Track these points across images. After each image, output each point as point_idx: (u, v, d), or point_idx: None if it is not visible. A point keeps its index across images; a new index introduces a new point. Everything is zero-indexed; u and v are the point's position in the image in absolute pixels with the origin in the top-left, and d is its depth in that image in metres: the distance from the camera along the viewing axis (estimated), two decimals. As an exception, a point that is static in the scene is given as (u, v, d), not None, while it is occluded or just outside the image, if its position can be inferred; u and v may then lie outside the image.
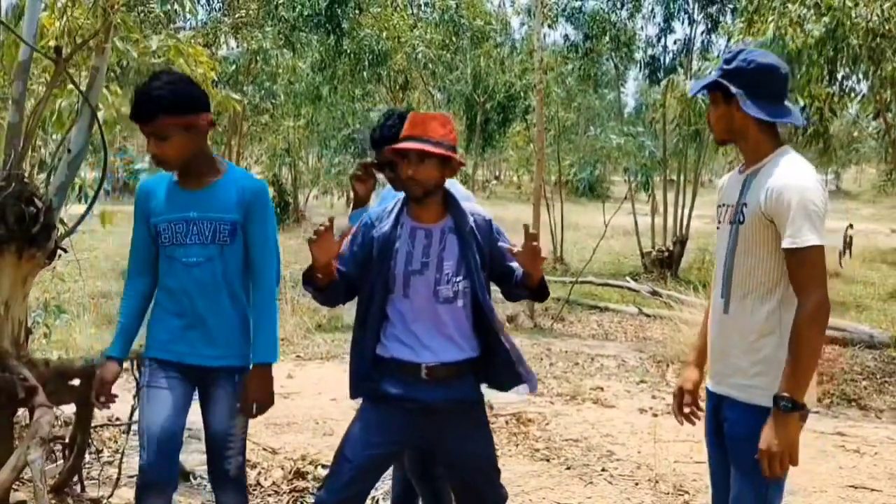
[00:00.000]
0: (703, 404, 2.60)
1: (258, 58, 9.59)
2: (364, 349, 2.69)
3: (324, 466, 4.45)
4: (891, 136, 9.02)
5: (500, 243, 2.69)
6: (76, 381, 3.18)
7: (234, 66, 9.79)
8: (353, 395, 2.77)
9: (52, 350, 5.30)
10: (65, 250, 3.09)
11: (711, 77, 2.37)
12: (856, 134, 12.41)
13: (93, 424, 3.55)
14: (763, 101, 2.29)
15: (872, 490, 4.36)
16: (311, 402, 6.06)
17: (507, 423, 5.65)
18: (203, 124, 2.55)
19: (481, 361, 2.71)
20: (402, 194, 2.99)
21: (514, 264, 2.69)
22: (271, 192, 14.87)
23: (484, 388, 2.78)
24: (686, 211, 16.20)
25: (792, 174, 2.22)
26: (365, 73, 11.38)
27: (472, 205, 2.82)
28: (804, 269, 2.16)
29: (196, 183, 2.62)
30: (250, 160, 13.70)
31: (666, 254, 14.79)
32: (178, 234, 2.60)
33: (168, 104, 2.45)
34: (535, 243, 2.48)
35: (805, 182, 2.20)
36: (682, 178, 16.77)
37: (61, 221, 3.13)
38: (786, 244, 2.17)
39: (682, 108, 9.15)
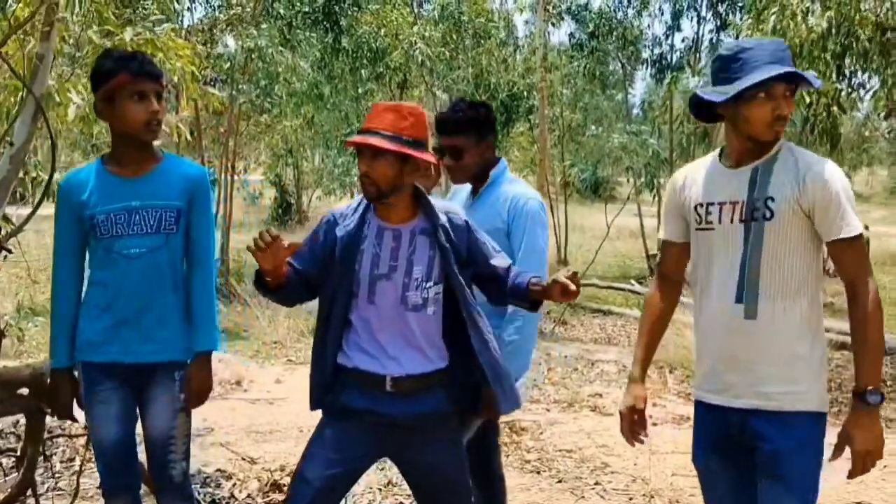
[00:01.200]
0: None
1: (254, 56, 9.40)
2: (324, 358, 2.48)
3: (302, 478, 4.27)
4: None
5: (492, 260, 2.49)
6: (24, 390, 2.97)
7: (228, 64, 9.60)
8: (313, 407, 2.54)
9: (25, 354, 5.13)
10: (9, 251, 2.88)
11: (785, 69, 2.11)
12: (867, 134, 12.11)
13: (46, 435, 3.36)
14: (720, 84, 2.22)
15: (881, 505, 4.13)
16: (298, 408, 5.84)
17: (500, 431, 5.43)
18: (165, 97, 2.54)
19: (451, 372, 2.49)
20: (468, 187, 2.98)
21: (498, 267, 2.48)
22: (273, 193, 14.85)
23: None
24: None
25: (826, 164, 2.14)
26: (364, 72, 11.20)
27: (447, 204, 2.60)
28: (858, 256, 2.13)
29: (134, 170, 2.49)
30: (250, 160, 13.53)
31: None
32: (119, 224, 2.45)
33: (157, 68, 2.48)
34: (573, 287, 2.26)
35: (839, 170, 2.16)
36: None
37: (5, 219, 2.92)
38: (842, 234, 2.09)
39: (686, 105, 8.91)
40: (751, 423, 2.18)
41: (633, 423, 2.47)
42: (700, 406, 2.35)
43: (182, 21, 10.62)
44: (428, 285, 2.40)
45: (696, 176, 2.32)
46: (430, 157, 2.38)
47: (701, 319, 2.31)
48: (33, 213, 2.89)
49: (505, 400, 2.47)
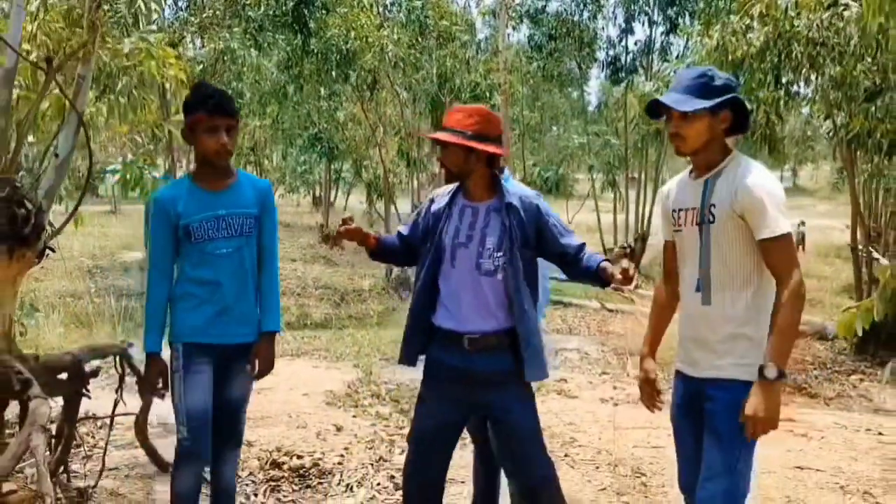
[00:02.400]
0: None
1: (225, 58, 9.64)
2: (419, 317, 2.94)
3: (299, 457, 4.62)
4: (839, 136, 9.41)
5: (562, 239, 2.89)
6: (64, 376, 3.30)
7: (200, 66, 9.82)
8: (402, 361, 3.01)
9: (23, 349, 5.37)
10: (52, 250, 3.24)
11: (699, 92, 2.52)
12: (809, 133, 12.85)
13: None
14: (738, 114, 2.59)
15: (817, 470, 4.65)
16: (284, 396, 6.20)
17: (474, 413, 5.86)
18: (238, 129, 3.02)
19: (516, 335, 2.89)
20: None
21: (569, 245, 2.88)
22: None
23: None
24: (647, 208, 16.60)
25: (756, 174, 2.45)
26: (332, 73, 11.49)
27: (524, 189, 3.04)
28: (782, 253, 2.42)
29: (218, 185, 2.98)
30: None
31: (628, 250, 15.15)
32: (210, 229, 2.94)
33: (234, 104, 2.94)
34: (630, 272, 2.65)
35: (769, 179, 2.45)
36: (643, 176, 17.16)
37: (49, 223, 3.27)
38: (764, 234, 2.40)
39: (642, 107, 9.45)
40: (706, 389, 2.58)
41: (650, 393, 2.86)
42: (677, 375, 2.77)
43: (153, 24, 10.82)
44: (498, 255, 2.83)
45: (675, 186, 2.74)
46: (493, 148, 2.84)
47: (681, 306, 2.76)
48: (72, 215, 3.23)
49: (530, 367, 2.87)
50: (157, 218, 2.99)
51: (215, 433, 3.02)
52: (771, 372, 2.38)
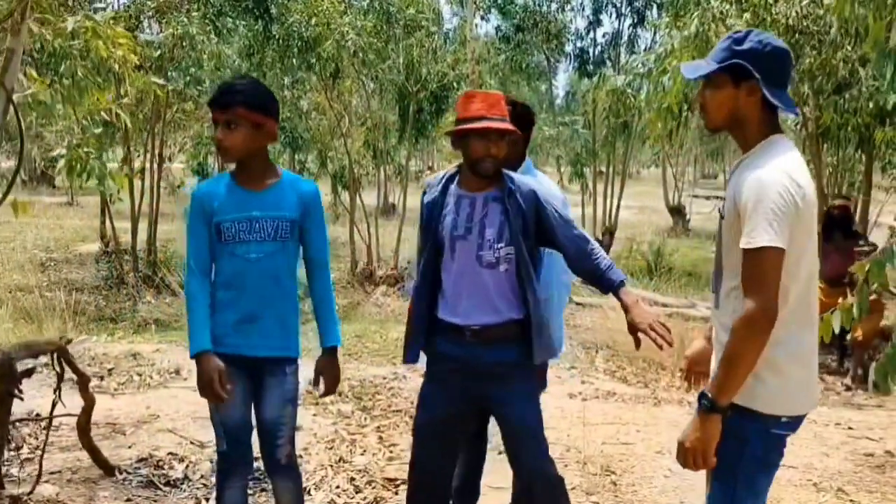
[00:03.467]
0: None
1: (183, 43, 9.31)
2: (420, 314, 2.89)
3: (255, 459, 4.40)
4: (808, 130, 9.38)
5: (558, 231, 2.77)
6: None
7: (158, 52, 9.47)
8: (406, 360, 2.97)
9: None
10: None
11: (719, 58, 2.18)
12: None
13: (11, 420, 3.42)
14: (774, 87, 2.15)
15: (789, 467, 4.53)
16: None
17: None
18: (270, 128, 2.77)
19: (524, 326, 2.81)
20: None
21: (568, 238, 2.78)
22: (195, 181, 14.68)
23: None
24: (615, 201, 16.55)
25: (763, 168, 2.07)
26: (294, 61, 11.20)
27: (521, 176, 2.93)
28: (750, 269, 2.05)
29: (257, 185, 2.81)
30: (174, 149, 13.32)
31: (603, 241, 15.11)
32: (242, 231, 2.78)
33: (246, 98, 2.69)
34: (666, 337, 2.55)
35: (772, 177, 2.04)
36: (611, 169, 17.10)
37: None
38: (741, 242, 2.06)
39: (611, 101, 9.33)
40: None
41: (691, 373, 2.63)
42: None
43: (110, 7, 10.45)
44: (499, 246, 2.75)
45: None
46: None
47: None
48: (5, 195, 2.97)
49: (540, 348, 2.80)
50: (193, 213, 2.85)
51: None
52: (704, 402, 2.09)
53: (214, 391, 2.71)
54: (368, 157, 14.00)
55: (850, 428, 5.49)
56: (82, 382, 3.84)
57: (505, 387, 2.81)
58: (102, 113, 5.15)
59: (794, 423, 2.21)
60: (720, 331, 2.26)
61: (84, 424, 3.92)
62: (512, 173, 2.86)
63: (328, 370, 2.93)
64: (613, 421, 5.26)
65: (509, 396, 2.82)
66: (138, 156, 12.09)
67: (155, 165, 11.42)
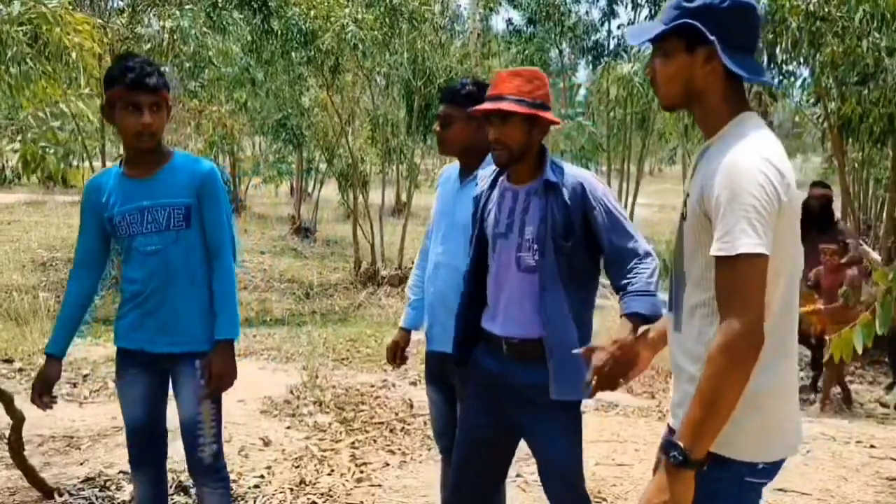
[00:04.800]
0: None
1: (175, 37, 8.99)
2: (464, 318, 2.59)
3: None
4: (830, 123, 8.86)
5: (604, 235, 2.39)
6: None
7: (149, 45, 9.15)
8: (454, 359, 2.69)
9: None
10: None
11: (667, 18, 1.75)
12: (797, 119, 12.31)
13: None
14: (736, 51, 1.72)
15: (802, 493, 4.09)
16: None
17: (424, 423, 5.28)
18: (170, 108, 2.65)
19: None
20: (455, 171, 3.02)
21: (615, 249, 2.39)
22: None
23: None
24: (630, 199, 16.05)
25: (737, 153, 1.64)
26: (294, 55, 10.84)
27: (571, 167, 2.54)
28: (726, 283, 1.63)
29: (145, 171, 2.64)
30: (180, 147, 13.03)
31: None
32: (134, 223, 2.63)
33: (162, 78, 2.57)
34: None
35: (749, 165, 1.62)
36: (626, 166, 16.61)
37: None
38: (713, 250, 1.64)
39: (618, 90, 8.85)
40: None
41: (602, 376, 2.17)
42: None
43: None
44: (537, 247, 2.39)
45: (695, 159, 1.94)
46: (553, 117, 2.45)
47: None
48: None
49: (557, 383, 2.38)
50: (84, 208, 2.74)
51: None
52: (674, 453, 1.65)
53: (34, 398, 2.72)
54: (373, 155, 13.62)
55: (872, 447, 5.02)
56: (4, 402, 3.50)
57: (539, 416, 2.42)
58: (62, 105, 4.82)
59: (773, 468, 1.77)
60: (681, 358, 1.82)
61: (14, 442, 3.58)
62: (563, 163, 2.51)
63: (214, 365, 2.67)
64: (610, 438, 4.83)
65: (543, 428, 2.44)
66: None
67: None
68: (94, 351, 7.27)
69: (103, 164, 11.81)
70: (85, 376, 6.34)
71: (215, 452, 2.77)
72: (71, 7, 4.81)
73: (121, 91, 2.52)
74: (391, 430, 5.08)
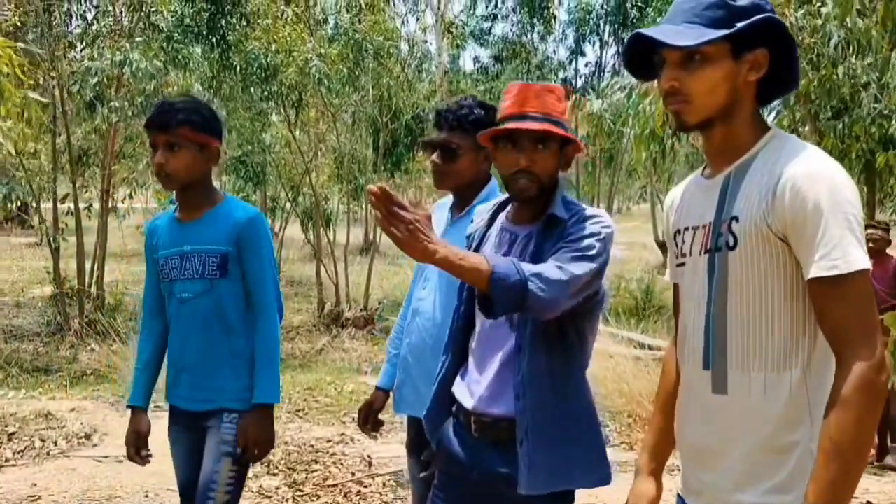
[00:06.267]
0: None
1: (124, 70, 8.56)
2: (445, 384, 2.11)
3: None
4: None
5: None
6: None
7: (96, 79, 8.70)
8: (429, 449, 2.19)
9: None
10: None
11: (707, 19, 1.51)
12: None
13: None
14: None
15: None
16: (151, 467, 4.92)
17: (383, 485, 4.80)
18: (214, 149, 2.55)
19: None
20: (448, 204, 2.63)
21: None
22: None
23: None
24: (601, 237, 15.79)
25: (814, 161, 1.45)
26: (253, 90, 10.46)
27: (591, 207, 2.05)
28: (847, 307, 1.39)
29: (190, 215, 2.57)
30: (136, 186, 12.49)
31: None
32: (174, 268, 2.56)
33: (188, 116, 2.47)
34: None
35: (837, 171, 1.44)
36: (596, 204, 16.40)
37: None
38: (817, 270, 1.40)
39: (589, 127, 8.59)
40: None
41: None
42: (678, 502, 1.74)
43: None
44: None
45: (680, 194, 1.75)
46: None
47: (682, 390, 1.70)
48: None
49: (528, 469, 1.86)
50: (145, 251, 2.71)
51: None
52: None
53: (129, 455, 2.65)
54: (337, 192, 13.22)
55: (868, 503, 4.65)
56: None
57: None
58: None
59: None
60: (736, 427, 1.50)
61: None
62: (574, 200, 2.04)
63: (249, 432, 2.49)
64: (586, 502, 4.38)
65: None
66: (86, 191, 11.29)
67: (102, 202, 10.60)
68: (27, 405, 6.68)
69: (54, 206, 11.28)
70: (11, 435, 5.76)
71: None
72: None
73: (148, 132, 2.50)
74: (345, 495, 4.59)
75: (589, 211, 1.95)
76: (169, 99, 2.60)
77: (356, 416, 7.16)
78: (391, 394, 2.78)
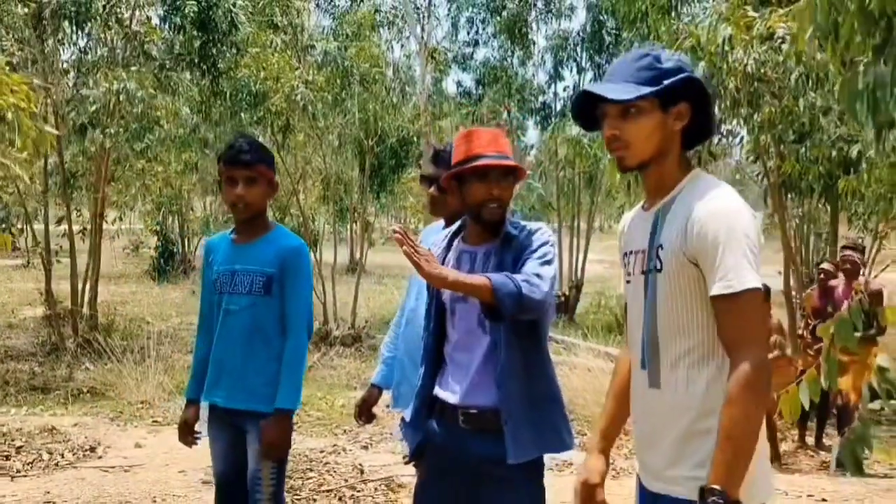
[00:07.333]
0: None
1: (121, 98, 8.90)
2: (422, 388, 2.48)
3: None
4: (770, 180, 9.12)
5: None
6: None
7: (95, 107, 9.03)
8: (410, 457, 2.57)
9: None
10: None
11: (641, 78, 1.83)
12: (738, 177, 12.69)
13: None
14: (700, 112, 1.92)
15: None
16: (156, 475, 5.36)
17: (375, 490, 5.13)
18: (276, 184, 2.99)
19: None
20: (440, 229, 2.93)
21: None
22: (155, 241, 14.03)
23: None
24: (581, 255, 16.24)
25: (717, 199, 1.76)
26: (244, 115, 10.82)
27: (530, 223, 2.50)
28: (739, 319, 1.70)
29: (245, 238, 2.98)
30: (125, 209, 12.77)
31: (562, 299, 14.68)
32: (226, 283, 2.96)
33: (263, 156, 2.91)
34: None
35: (734, 208, 1.75)
36: (576, 223, 16.84)
37: None
38: (716, 289, 1.71)
39: (567, 151, 9.00)
40: None
41: (586, 502, 2.05)
42: (637, 481, 2.04)
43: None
44: None
45: (629, 221, 2.06)
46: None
47: (631, 388, 2.03)
48: None
49: (512, 446, 2.26)
50: (203, 264, 3.15)
51: None
52: (714, 500, 1.64)
53: (181, 438, 3.07)
54: (325, 214, 13.55)
55: (823, 500, 5.02)
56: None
57: (498, 494, 2.29)
58: (-2, 167, 4.69)
59: None
60: (667, 415, 1.83)
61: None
62: (523, 222, 2.47)
63: (268, 434, 2.83)
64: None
65: (507, 499, 2.28)
66: (79, 214, 11.56)
67: (95, 225, 10.87)
68: (30, 421, 6.95)
69: (46, 228, 11.54)
70: (18, 448, 6.03)
71: None
72: (7, 68, 4.73)
73: (222, 167, 2.89)
74: (340, 499, 4.91)
75: (531, 225, 2.42)
76: (242, 139, 2.95)
77: (348, 428, 7.48)
78: (387, 391, 3.24)
